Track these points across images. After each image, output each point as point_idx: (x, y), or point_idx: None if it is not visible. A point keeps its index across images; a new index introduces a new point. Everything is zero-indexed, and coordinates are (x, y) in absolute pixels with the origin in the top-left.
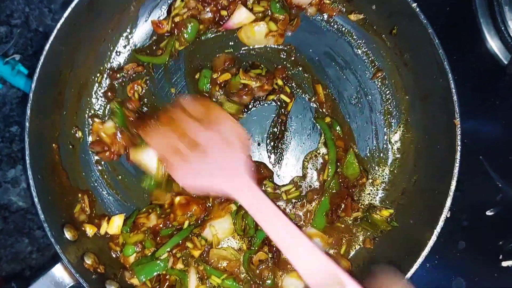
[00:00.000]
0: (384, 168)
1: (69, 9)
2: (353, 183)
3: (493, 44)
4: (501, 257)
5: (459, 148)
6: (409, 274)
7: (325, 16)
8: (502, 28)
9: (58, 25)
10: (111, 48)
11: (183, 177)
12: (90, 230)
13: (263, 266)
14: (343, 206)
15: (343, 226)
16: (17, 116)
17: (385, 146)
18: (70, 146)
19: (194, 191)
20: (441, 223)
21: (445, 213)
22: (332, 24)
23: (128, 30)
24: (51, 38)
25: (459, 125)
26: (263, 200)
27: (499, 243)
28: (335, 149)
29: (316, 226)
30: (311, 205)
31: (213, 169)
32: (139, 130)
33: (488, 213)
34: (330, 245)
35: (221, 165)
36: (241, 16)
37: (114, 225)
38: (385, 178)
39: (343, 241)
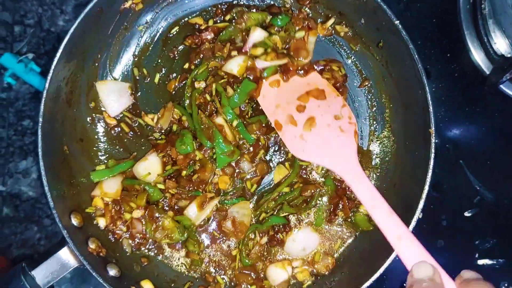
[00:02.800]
0: (367, 171)
1: (78, 20)
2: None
3: (476, 55)
4: (477, 255)
5: (432, 155)
6: (382, 269)
7: None
8: (485, 40)
9: (70, 33)
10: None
11: (294, 146)
12: (103, 221)
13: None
14: (341, 205)
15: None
16: (29, 110)
17: (369, 150)
18: (80, 140)
19: (301, 158)
20: (413, 223)
21: (417, 214)
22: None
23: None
24: (64, 42)
25: (433, 134)
26: (366, 184)
27: (476, 242)
28: None
29: (315, 224)
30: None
31: (325, 147)
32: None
33: (466, 214)
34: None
35: (333, 145)
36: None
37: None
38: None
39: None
